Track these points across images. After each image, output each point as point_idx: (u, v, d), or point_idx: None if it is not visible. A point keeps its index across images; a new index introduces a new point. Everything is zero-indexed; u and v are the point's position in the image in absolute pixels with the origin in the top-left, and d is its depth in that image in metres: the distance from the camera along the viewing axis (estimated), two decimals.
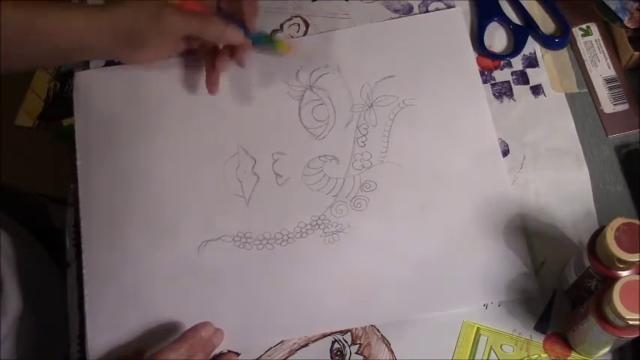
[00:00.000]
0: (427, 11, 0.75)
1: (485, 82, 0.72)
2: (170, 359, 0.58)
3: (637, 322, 0.51)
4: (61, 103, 1.47)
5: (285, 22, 0.76)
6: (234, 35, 0.68)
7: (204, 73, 0.72)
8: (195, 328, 0.62)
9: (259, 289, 0.65)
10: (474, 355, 0.63)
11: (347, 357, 0.63)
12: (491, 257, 0.65)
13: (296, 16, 0.76)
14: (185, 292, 0.65)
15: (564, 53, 0.73)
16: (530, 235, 0.66)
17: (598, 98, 0.71)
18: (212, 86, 0.71)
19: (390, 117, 0.71)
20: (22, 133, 1.47)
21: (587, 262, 0.56)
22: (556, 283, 0.64)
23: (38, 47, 0.64)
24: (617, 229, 0.53)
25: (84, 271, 0.66)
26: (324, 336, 0.64)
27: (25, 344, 0.73)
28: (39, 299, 0.75)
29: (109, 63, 0.75)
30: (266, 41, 0.72)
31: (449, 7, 0.75)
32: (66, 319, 0.67)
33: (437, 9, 0.75)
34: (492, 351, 0.63)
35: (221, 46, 0.70)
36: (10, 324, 0.71)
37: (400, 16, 0.75)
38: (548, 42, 0.73)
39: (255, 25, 0.70)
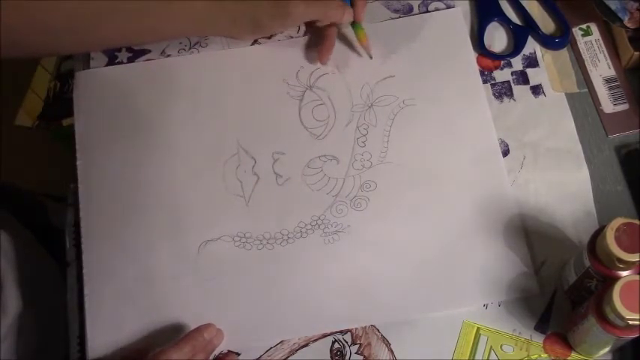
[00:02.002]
0: (427, 11, 0.75)
1: (485, 82, 0.72)
2: (173, 359, 0.59)
3: (637, 322, 0.51)
4: (61, 103, 1.47)
5: None
6: (348, 17, 0.71)
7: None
8: (198, 329, 0.62)
9: (259, 289, 0.65)
10: (474, 355, 0.63)
11: (347, 357, 0.63)
12: (491, 257, 0.65)
13: None
14: (185, 292, 0.65)
15: (564, 53, 0.73)
16: (530, 235, 0.66)
17: (598, 98, 0.71)
18: (327, 54, 0.72)
19: (390, 117, 0.71)
20: (22, 133, 1.47)
21: (587, 262, 0.56)
22: (556, 283, 0.64)
23: (159, 32, 0.71)
24: (617, 229, 0.53)
25: (84, 271, 0.66)
26: (324, 336, 0.64)
27: (25, 344, 0.73)
28: (39, 299, 0.74)
29: (109, 63, 0.75)
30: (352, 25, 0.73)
31: (449, 7, 0.75)
32: (66, 319, 0.67)
33: (437, 9, 0.75)
34: (492, 351, 0.63)
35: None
36: (10, 323, 0.71)
37: (400, 16, 0.75)
38: (548, 42, 0.73)
39: (363, 18, 0.72)
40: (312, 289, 0.65)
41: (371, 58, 0.72)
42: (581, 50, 0.73)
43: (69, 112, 0.73)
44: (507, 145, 0.69)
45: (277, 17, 0.70)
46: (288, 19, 0.70)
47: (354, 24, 0.72)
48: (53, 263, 0.80)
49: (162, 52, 0.75)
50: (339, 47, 0.74)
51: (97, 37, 0.70)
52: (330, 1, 0.70)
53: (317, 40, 0.73)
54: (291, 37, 0.75)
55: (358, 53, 0.73)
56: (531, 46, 0.73)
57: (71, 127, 0.72)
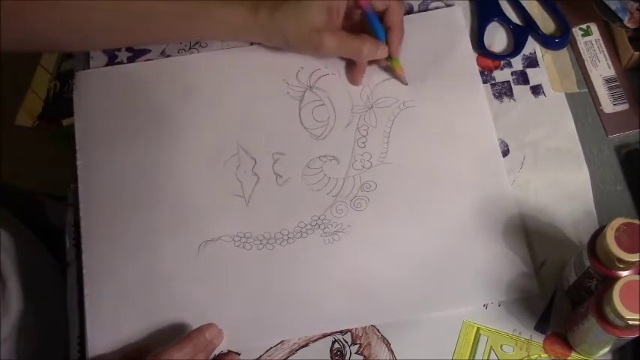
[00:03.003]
0: (427, 11, 0.75)
1: (485, 82, 0.72)
2: (175, 359, 0.59)
3: (637, 322, 0.51)
4: (61, 103, 1.47)
5: None
6: (383, 54, 0.70)
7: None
8: (199, 329, 0.62)
9: (259, 289, 0.65)
10: (474, 355, 0.63)
11: (347, 357, 0.63)
12: (491, 257, 0.65)
13: None
14: (185, 292, 0.65)
15: (564, 53, 0.73)
16: (530, 235, 0.66)
17: (598, 98, 0.71)
18: (360, 78, 0.72)
19: (390, 118, 0.71)
20: (22, 133, 1.47)
21: (587, 262, 0.56)
22: (556, 283, 0.64)
23: (192, 36, 0.73)
24: (617, 229, 0.53)
25: (84, 271, 0.66)
26: (324, 336, 0.64)
27: (26, 344, 0.73)
28: (40, 298, 0.75)
29: (109, 63, 0.75)
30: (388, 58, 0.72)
31: (448, 6, 0.75)
32: (66, 319, 0.67)
33: (437, 9, 0.75)
34: (492, 351, 0.63)
35: None
36: (12, 323, 0.71)
37: None
38: (548, 42, 0.73)
39: (399, 53, 0.70)
40: (312, 289, 0.65)
41: (406, 84, 0.72)
42: (581, 50, 0.73)
43: (69, 112, 0.73)
44: (507, 145, 0.69)
45: (309, 46, 0.70)
46: (320, 50, 0.70)
47: (390, 58, 0.71)
48: (54, 262, 0.80)
49: (163, 52, 0.75)
50: None
51: (131, 38, 0.71)
52: (365, 41, 0.68)
53: (350, 62, 0.72)
54: None
55: None
56: (531, 46, 0.73)
57: (71, 127, 0.72)
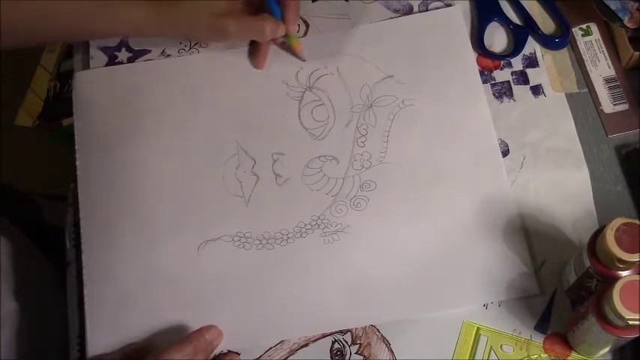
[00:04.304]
0: (427, 11, 0.75)
1: (485, 82, 0.72)
2: (175, 359, 0.59)
3: (637, 322, 0.51)
4: (61, 103, 1.46)
5: None
6: (282, 32, 0.71)
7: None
8: (200, 331, 0.63)
9: (259, 289, 0.65)
10: (474, 355, 0.63)
11: (347, 357, 0.63)
12: (491, 257, 0.65)
13: None
14: (185, 292, 0.65)
15: (564, 53, 0.73)
16: (530, 235, 0.66)
17: (598, 98, 0.71)
18: (264, 62, 0.73)
19: (390, 117, 0.71)
20: (22, 133, 1.47)
21: (587, 262, 0.56)
22: (556, 283, 0.64)
23: (99, 32, 0.72)
24: (617, 229, 0.53)
25: (84, 271, 0.66)
26: (324, 336, 0.64)
27: (20, 345, 0.73)
28: (33, 300, 0.75)
29: (109, 63, 0.75)
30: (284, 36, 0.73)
31: (448, 6, 0.75)
32: (65, 319, 0.67)
33: (436, 9, 0.75)
34: (492, 351, 0.63)
35: None
36: (5, 325, 0.71)
37: (400, 16, 0.75)
38: (548, 42, 0.73)
39: (294, 31, 0.72)
40: (312, 289, 0.65)
41: (304, 60, 0.73)
42: (581, 50, 0.73)
43: (69, 112, 0.73)
44: (507, 145, 0.69)
45: (213, 32, 0.71)
46: (224, 36, 0.71)
47: (286, 35, 0.72)
48: (48, 264, 0.80)
49: (162, 53, 0.75)
50: (338, 48, 0.73)
51: (32, 38, 0.70)
52: (266, 20, 0.70)
53: (252, 49, 0.74)
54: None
55: (357, 55, 0.73)
56: (531, 46, 0.73)
57: (71, 127, 0.73)
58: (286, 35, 0.72)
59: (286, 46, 0.74)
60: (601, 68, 0.72)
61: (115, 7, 0.68)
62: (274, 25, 0.70)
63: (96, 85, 0.74)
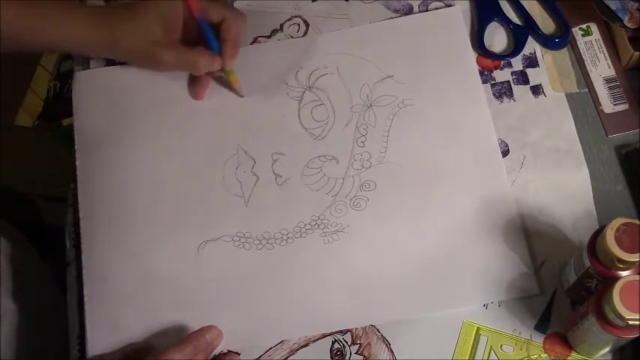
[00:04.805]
0: (427, 11, 0.75)
1: (485, 82, 0.72)
2: (175, 359, 0.59)
3: (637, 322, 0.51)
4: (61, 103, 1.47)
5: (285, 22, 0.76)
6: (218, 66, 0.69)
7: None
8: (200, 331, 0.63)
9: (259, 289, 0.65)
10: (474, 355, 0.63)
11: (347, 357, 0.63)
12: (491, 257, 0.65)
13: (296, 16, 0.76)
14: (185, 292, 0.65)
15: (564, 53, 0.73)
16: (530, 235, 0.66)
17: (598, 98, 0.71)
18: (203, 93, 0.72)
19: (390, 117, 0.71)
20: (22, 133, 1.47)
21: (587, 262, 0.56)
22: (556, 283, 0.64)
23: (40, 47, 0.69)
24: (617, 229, 0.53)
25: (83, 271, 0.66)
26: (324, 336, 0.64)
27: (20, 345, 0.73)
28: (33, 300, 0.75)
29: (109, 63, 0.75)
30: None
31: (448, 6, 0.75)
32: (65, 319, 0.67)
33: (436, 9, 0.75)
34: (492, 351, 0.63)
35: None
36: (4, 325, 0.71)
37: (400, 16, 0.75)
38: (548, 42, 0.73)
39: (231, 66, 0.70)
40: (312, 289, 0.65)
41: (242, 97, 0.72)
42: (581, 50, 0.73)
43: (69, 112, 0.73)
44: (507, 145, 0.69)
45: (148, 60, 0.70)
46: (157, 65, 0.70)
47: (224, 70, 0.70)
48: (47, 265, 0.81)
49: None
50: (338, 47, 0.73)
51: None
52: (200, 54, 0.68)
53: (192, 78, 0.73)
54: (291, 37, 0.75)
55: (357, 54, 0.73)
56: (531, 46, 0.73)
57: (71, 127, 0.73)
58: (224, 70, 0.70)
59: (223, 80, 0.72)
60: (601, 68, 0.72)
61: (54, 27, 0.66)
62: (209, 60, 0.68)
63: (96, 85, 0.74)
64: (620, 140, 0.69)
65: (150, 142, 0.71)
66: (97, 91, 0.73)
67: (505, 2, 0.75)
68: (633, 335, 0.53)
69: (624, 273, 0.54)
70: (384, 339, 0.64)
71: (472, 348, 0.63)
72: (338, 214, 0.67)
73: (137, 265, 0.66)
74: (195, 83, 0.72)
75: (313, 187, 0.69)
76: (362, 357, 0.63)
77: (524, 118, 0.70)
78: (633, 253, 0.53)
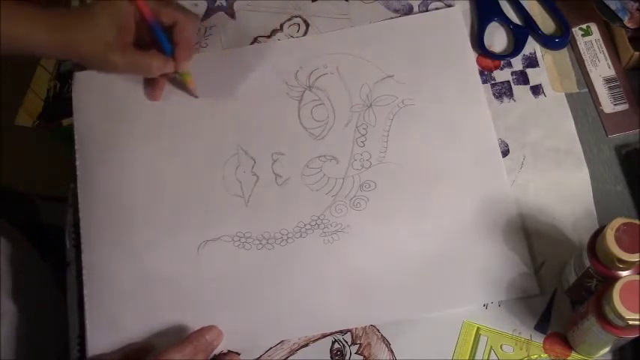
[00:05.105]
0: (427, 11, 0.75)
1: (485, 82, 0.72)
2: (175, 359, 0.59)
3: (637, 322, 0.51)
4: (61, 103, 1.47)
5: (285, 22, 0.76)
6: (172, 69, 0.69)
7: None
8: (200, 331, 0.63)
9: (259, 289, 0.65)
10: (474, 355, 0.63)
11: (347, 357, 0.63)
12: (491, 257, 0.65)
13: (296, 16, 0.76)
14: (185, 292, 0.65)
15: (564, 53, 0.73)
16: (530, 235, 0.66)
17: (598, 98, 0.71)
18: (159, 94, 0.72)
19: (390, 117, 0.71)
20: (22, 133, 1.47)
21: (587, 262, 0.56)
22: (556, 283, 0.64)
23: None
24: (617, 229, 0.53)
25: (83, 271, 0.66)
26: (324, 336, 0.64)
27: (20, 345, 0.73)
28: (33, 300, 0.75)
29: None
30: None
31: (448, 6, 0.75)
32: (65, 319, 0.67)
33: (437, 9, 0.75)
34: (492, 351, 0.63)
35: None
36: (4, 325, 0.71)
37: (400, 16, 0.75)
38: (548, 42, 0.73)
39: (185, 68, 0.70)
40: (312, 289, 0.65)
41: (196, 97, 0.72)
42: (581, 50, 0.73)
43: (69, 112, 0.73)
44: (507, 145, 0.69)
45: (101, 63, 0.69)
46: (110, 68, 0.69)
47: (177, 72, 0.70)
48: (47, 265, 0.80)
49: None
50: (338, 47, 0.73)
51: None
52: (153, 57, 0.68)
53: (148, 80, 0.73)
54: (291, 37, 0.75)
55: (357, 54, 0.73)
56: (531, 46, 0.73)
57: (71, 127, 0.73)
58: (179, 74, 0.70)
59: (178, 81, 0.72)
60: (601, 68, 0.72)
61: (11, 26, 0.65)
62: (162, 63, 0.68)
63: (96, 86, 0.74)
64: (620, 140, 0.69)
65: (150, 142, 0.71)
66: (97, 92, 0.73)
67: (505, 2, 0.75)
68: (633, 335, 0.53)
69: (624, 273, 0.54)
70: (384, 339, 0.64)
71: (472, 348, 0.63)
72: (338, 214, 0.67)
73: (137, 265, 0.66)
74: (150, 85, 0.72)
75: (313, 187, 0.69)
76: (362, 357, 0.63)
77: (524, 118, 0.70)
78: (633, 253, 0.53)
